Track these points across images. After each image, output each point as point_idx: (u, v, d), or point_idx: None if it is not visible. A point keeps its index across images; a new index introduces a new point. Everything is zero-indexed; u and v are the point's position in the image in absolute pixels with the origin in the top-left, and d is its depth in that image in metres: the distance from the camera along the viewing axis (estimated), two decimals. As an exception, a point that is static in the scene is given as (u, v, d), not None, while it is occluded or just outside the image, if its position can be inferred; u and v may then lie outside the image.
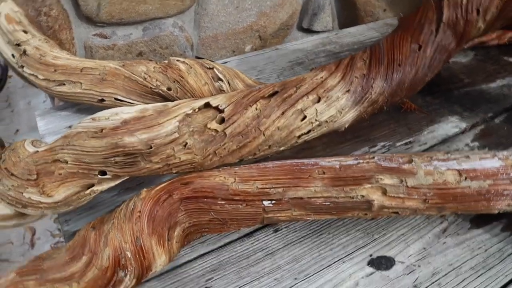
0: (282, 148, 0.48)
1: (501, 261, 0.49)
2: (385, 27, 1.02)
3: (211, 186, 0.43)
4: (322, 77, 0.48)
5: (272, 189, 0.43)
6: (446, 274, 0.47)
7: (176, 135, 0.42)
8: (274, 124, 0.45)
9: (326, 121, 0.47)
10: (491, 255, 0.49)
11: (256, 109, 0.45)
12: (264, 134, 0.45)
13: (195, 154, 0.43)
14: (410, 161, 0.43)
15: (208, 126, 0.43)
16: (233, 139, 0.44)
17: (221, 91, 0.62)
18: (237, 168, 0.45)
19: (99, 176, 0.44)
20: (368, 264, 0.48)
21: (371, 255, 0.49)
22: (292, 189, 0.43)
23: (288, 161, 0.44)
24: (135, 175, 0.44)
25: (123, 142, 0.41)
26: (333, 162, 0.44)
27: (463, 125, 0.69)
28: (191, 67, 0.62)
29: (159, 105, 0.45)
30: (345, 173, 0.43)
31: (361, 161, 0.43)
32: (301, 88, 0.46)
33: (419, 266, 0.48)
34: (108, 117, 0.43)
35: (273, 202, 0.43)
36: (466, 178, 0.42)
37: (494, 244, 0.50)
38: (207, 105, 0.45)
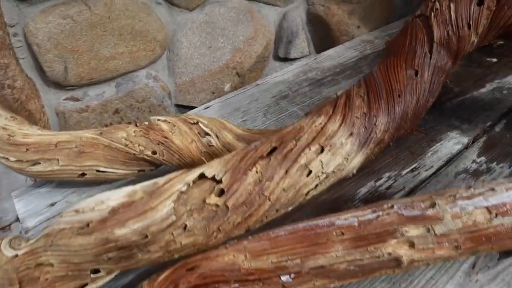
0: (290, 208, 0.43)
1: (542, 293, 0.45)
2: (363, 44, 0.99)
3: (221, 268, 0.38)
4: (321, 123, 0.44)
5: (289, 262, 0.38)
6: (488, 318, 0.43)
7: (173, 218, 0.38)
8: (279, 186, 0.40)
9: (333, 171, 0.43)
10: (530, 287, 0.45)
11: (257, 172, 0.40)
12: (269, 199, 0.40)
13: (197, 236, 0.39)
14: (433, 205, 0.39)
15: (207, 201, 0.39)
16: (237, 211, 0.39)
17: (209, 146, 0.57)
18: (246, 242, 0.40)
19: (91, 275, 0.39)
20: (402, 321, 0.44)
21: (403, 309, 0.44)
22: (311, 258, 0.38)
23: (301, 225, 0.40)
24: (133, 267, 0.39)
25: (115, 236, 0.36)
26: (350, 219, 0.39)
27: (465, 140, 0.66)
28: (175, 125, 0.58)
29: (148, 184, 0.40)
30: (366, 231, 0.38)
31: (380, 213, 0.39)
32: (301, 139, 0.42)
33: (456, 313, 0.44)
34: (94, 207, 0.38)
35: (292, 275, 0.38)
36: (496, 215, 0.38)
37: (530, 274, 0.47)
38: (202, 176, 0.40)
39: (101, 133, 0.58)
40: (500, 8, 0.47)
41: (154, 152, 0.57)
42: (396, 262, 0.38)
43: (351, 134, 0.43)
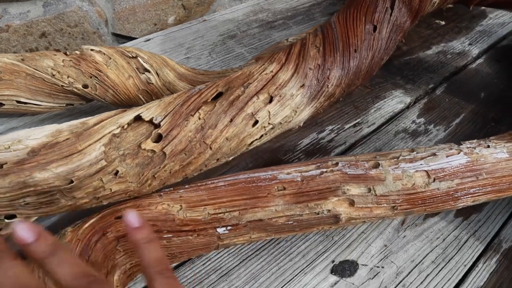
0: (231, 158, 0.41)
1: (458, 250, 0.47)
2: (318, -11, 0.95)
3: (154, 217, 0.36)
4: (272, 71, 0.41)
5: (226, 214, 0.36)
6: (409, 273, 0.45)
7: (103, 162, 0.34)
8: (222, 135, 0.38)
9: (280, 123, 0.41)
10: (449, 245, 0.48)
11: (199, 118, 0.37)
12: (211, 148, 0.38)
13: (129, 182, 0.35)
14: (377, 165, 0.39)
15: (143, 146, 0.35)
16: (175, 158, 0.36)
17: (148, 84, 0.53)
18: (182, 191, 0.38)
19: (5, 220, 0.35)
20: (331, 273, 0.44)
21: (333, 261, 0.45)
22: (250, 211, 0.37)
23: (242, 177, 0.38)
24: (55, 213, 0.36)
25: (34, 180, 0.32)
26: (293, 173, 0.38)
27: (407, 99, 0.67)
28: (110, 58, 0.52)
29: (76, 123, 0.36)
30: (308, 187, 0.37)
31: (324, 170, 0.38)
32: (250, 87, 0.40)
33: (382, 267, 0.45)
34: (9, 147, 0.33)
35: (229, 228, 0.37)
36: (435, 180, 0.39)
37: (451, 232, 0.49)
38: (138, 119, 0.37)
39: (23, 59, 0.51)
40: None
41: (85, 86, 0.51)
42: (335, 219, 0.38)
43: (302, 86, 0.41)
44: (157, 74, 0.53)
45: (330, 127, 0.61)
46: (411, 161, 0.39)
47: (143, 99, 0.53)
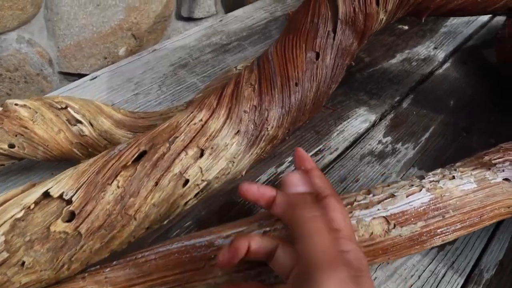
0: (165, 222, 0.36)
1: (437, 287, 0.43)
2: (274, 4, 0.91)
3: (74, 308, 0.31)
4: (201, 120, 0.36)
5: (159, 294, 0.32)
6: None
7: (5, 254, 0.29)
8: (147, 202, 0.33)
9: (217, 177, 0.37)
10: (425, 283, 0.43)
11: (118, 186, 0.33)
12: (135, 218, 0.33)
13: (41, 271, 0.31)
14: (327, 217, 0.34)
15: (52, 229, 0.31)
16: (93, 236, 0.32)
17: (82, 136, 0.48)
18: (108, 270, 0.33)
19: None
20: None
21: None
22: (186, 287, 0.32)
23: (175, 246, 0.33)
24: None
25: None
26: (232, 236, 0.33)
27: (372, 117, 0.63)
28: (37, 112, 0.47)
29: (-27, 208, 0.31)
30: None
31: (267, 229, 0.34)
32: (176, 141, 0.35)
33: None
34: None
35: (163, 309, 0.32)
36: (395, 226, 0.34)
37: (426, 267, 0.44)
38: (47, 195, 0.32)
39: None
40: (412, -16, 0.41)
41: (11, 146, 0.46)
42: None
43: (237, 133, 0.36)
44: (90, 124, 0.48)
45: (290, 159, 0.56)
46: (367, 207, 0.35)
47: (78, 152, 0.49)
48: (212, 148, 0.35)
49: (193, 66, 0.73)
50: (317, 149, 0.58)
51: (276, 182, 0.54)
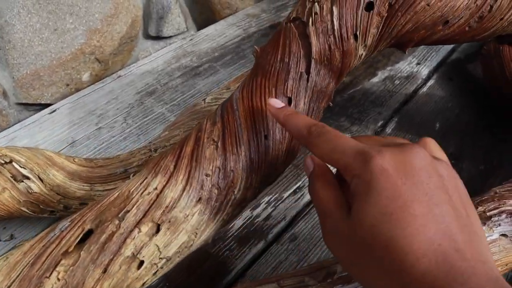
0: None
1: None
2: (248, 19, 0.86)
3: None
4: (156, 189, 0.32)
5: None
6: None
7: None
8: (95, 293, 0.28)
9: (178, 252, 0.32)
10: None
11: (58, 279, 0.28)
12: (81, 314, 0.28)
13: None
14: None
15: None
16: None
17: (31, 194, 0.43)
18: None
19: None
20: None
21: None
22: None
23: None
24: None
25: None
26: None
27: (355, 145, 0.59)
28: (-24, 169, 0.42)
29: None
30: None
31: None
32: (127, 217, 0.30)
33: None
34: None
35: None
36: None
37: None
38: (-29, 297, 0.27)
39: None
40: (393, 15, 0.37)
41: (-52, 208, 0.41)
42: None
43: (199, 200, 0.32)
44: (40, 179, 0.43)
45: (266, 199, 0.52)
46: (349, 282, 0.31)
47: (27, 211, 0.43)
48: (169, 221, 0.31)
49: (161, 93, 0.68)
50: (296, 186, 0.53)
51: (252, 228, 0.49)
